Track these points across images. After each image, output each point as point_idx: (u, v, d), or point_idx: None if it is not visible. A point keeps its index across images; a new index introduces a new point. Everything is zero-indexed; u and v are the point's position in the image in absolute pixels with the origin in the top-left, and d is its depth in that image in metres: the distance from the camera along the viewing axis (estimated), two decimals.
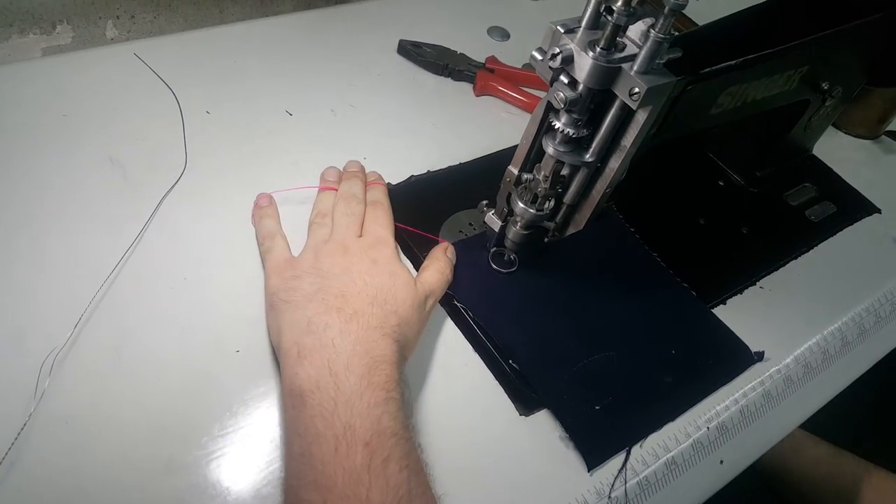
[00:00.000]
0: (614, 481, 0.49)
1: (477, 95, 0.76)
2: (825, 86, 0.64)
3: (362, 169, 0.63)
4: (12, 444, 0.42)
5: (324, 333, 0.44)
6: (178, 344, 0.50)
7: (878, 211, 0.76)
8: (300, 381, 0.42)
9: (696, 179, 0.75)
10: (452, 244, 0.58)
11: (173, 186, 0.59)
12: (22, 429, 0.43)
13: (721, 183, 0.75)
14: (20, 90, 0.64)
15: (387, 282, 0.49)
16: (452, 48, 0.78)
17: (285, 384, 0.43)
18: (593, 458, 0.49)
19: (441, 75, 0.77)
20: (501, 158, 0.63)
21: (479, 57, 0.79)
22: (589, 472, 0.49)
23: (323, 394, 0.40)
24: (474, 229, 0.62)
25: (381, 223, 0.55)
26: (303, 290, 0.47)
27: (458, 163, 0.68)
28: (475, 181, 0.65)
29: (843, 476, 0.92)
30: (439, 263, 0.55)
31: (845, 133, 0.86)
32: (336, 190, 0.59)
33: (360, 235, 0.54)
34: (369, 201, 0.58)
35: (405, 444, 0.40)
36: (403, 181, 0.65)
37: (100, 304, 0.50)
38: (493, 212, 0.56)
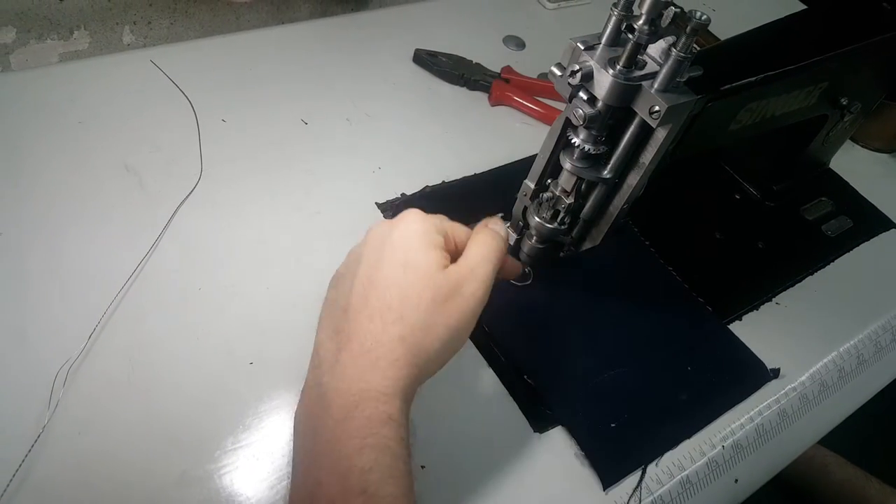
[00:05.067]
0: (629, 500, 0.49)
1: (492, 105, 0.76)
2: (844, 101, 0.63)
3: None
4: (27, 454, 0.42)
5: (317, 370, 0.38)
6: (192, 355, 0.50)
7: (895, 226, 0.76)
8: (296, 423, 0.38)
9: (713, 193, 0.75)
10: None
11: (189, 195, 0.59)
12: (36, 440, 0.43)
13: (737, 196, 0.74)
14: (37, 96, 0.64)
15: (398, 277, 0.39)
16: (468, 57, 0.78)
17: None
18: (609, 476, 0.49)
19: (456, 85, 0.77)
20: (517, 169, 0.63)
21: (495, 66, 0.78)
22: (604, 490, 0.49)
23: (305, 441, 0.37)
24: None
25: None
26: (328, 304, 0.41)
27: (473, 173, 0.67)
28: (490, 192, 0.65)
29: (868, 501, 0.92)
30: (481, 236, 0.43)
31: (862, 147, 0.86)
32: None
33: None
34: None
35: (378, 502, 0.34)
36: (418, 191, 0.64)
37: (114, 314, 0.50)
38: (508, 224, 0.56)
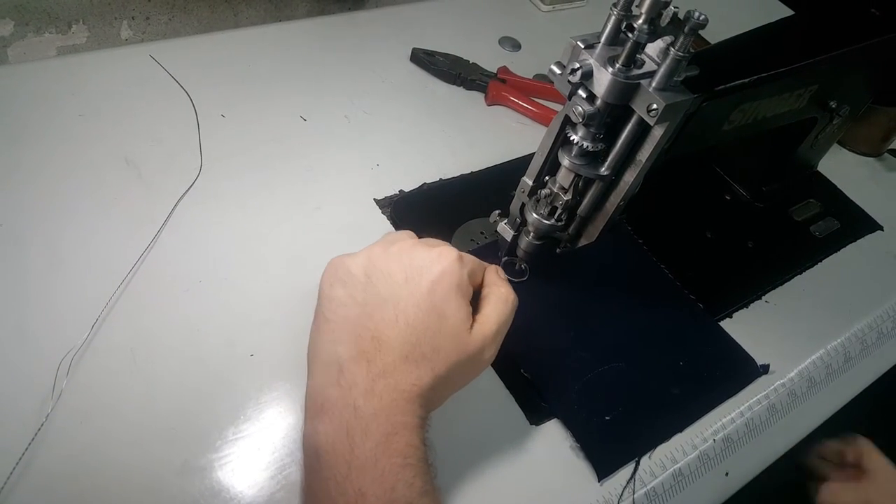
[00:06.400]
0: (623, 491, 0.50)
1: (488, 105, 0.77)
2: (833, 104, 0.64)
3: None
4: (30, 443, 0.42)
5: (349, 392, 0.40)
6: (193, 346, 0.50)
7: (881, 228, 0.77)
8: (318, 438, 0.40)
9: (704, 193, 0.76)
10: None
11: (189, 189, 0.59)
12: (39, 429, 0.43)
13: (728, 197, 0.76)
14: (37, 89, 0.64)
15: (433, 325, 0.42)
16: (465, 57, 0.79)
17: (305, 435, 0.41)
18: (603, 468, 0.50)
19: (453, 84, 0.78)
20: (513, 168, 0.63)
21: (491, 67, 0.79)
22: (599, 482, 0.49)
23: (338, 456, 0.38)
24: (486, 238, 0.62)
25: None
26: (343, 311, 0.43)
27: (469, 171, 0.68)
28: (487, 190, 0.65)
29: None
30: (500, 289, 0.47)
31: (849, 150, 0.87)
32: None
33: None
34: None
35: None
36: (416, 188, 0.65)
37: (115, 305, 0.51)
38: (505, 221, 0.57)
